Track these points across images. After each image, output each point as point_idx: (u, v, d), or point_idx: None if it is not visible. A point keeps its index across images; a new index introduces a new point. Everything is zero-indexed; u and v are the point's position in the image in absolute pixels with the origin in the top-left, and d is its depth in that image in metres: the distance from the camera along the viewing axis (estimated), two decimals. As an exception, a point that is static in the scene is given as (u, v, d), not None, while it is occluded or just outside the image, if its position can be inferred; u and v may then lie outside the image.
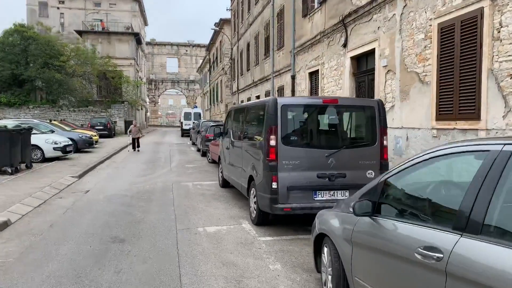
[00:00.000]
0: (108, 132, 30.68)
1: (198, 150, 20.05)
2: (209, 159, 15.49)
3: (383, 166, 6.03)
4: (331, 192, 5.84)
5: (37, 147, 14.13)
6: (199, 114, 37.52)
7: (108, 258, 4.94)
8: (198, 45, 71.19)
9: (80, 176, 11.57)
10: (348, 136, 6.36)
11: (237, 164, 7.77)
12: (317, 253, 4.10)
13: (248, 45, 25.45)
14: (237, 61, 30.07)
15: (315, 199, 5.79)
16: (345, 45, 11.64)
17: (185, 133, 35.55)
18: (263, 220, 6.29)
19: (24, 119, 21.05)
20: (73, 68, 35.43)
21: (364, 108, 6.18)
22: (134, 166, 14.29)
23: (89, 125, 30.94)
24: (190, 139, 28.95)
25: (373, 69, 10.25)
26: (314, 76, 14.34)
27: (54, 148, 14.39)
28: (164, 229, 6.25)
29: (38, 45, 33.65)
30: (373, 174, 5.97)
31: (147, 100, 68.47)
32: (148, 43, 67.47)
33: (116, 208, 7.66)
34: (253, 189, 6.53)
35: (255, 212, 6.40)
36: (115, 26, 46.87)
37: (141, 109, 53.01)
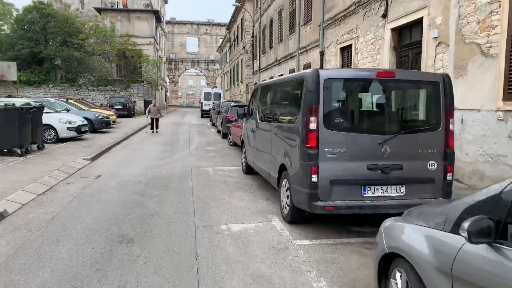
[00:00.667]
0: (127, 111, 30.12)
1: (219, 131, 19.11)
2: (230, 142, 14.52)
3: (448, 155, 4.88)
4: (384, 188, 4.75)
5: (50, 126, 13.43)
6: (219, 94, 36.50)
7: (112, 266, 4.03)
8: (219, 24, 69.74)
9: (93, 158, 10.78)
10: (406, 118, 5.20)
11: (264, 149, 6.74)
12: (381, 275, 3.07)
13: (271, 21, 24.07)
14: (259, 38, 28.71)
15: (364, 195, 4.72)
16: (385, 16, 10.30)
17: (205, 113, 34.70)
18: (298, 217, 5.27)
19: (40, 98, 20.41)
20: (92, 47, 34.80)
21: (426, 84, 4.99)
22: (152, 148, 13.45)
23: (108, 105, 30.40)
24: (210, 120, 28.06)
25: (419, 41, 8.94)
26: (346, 51, 13.04)
27: (68, 128, 13.66)
28: (181, 226, 5.32)
29: (57, 23, 33.04)
30: (436, 165, 4.84)
31: (167, 80, 67.82)
32: (168, 22, 66.43)
33: (128, 198, 6.78)
34: (285, 180, 5.50)
35: (287, 207, 5.38)
36: (135, 4, 45.93)
37: (161, 89, 52.35)
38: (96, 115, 17.18)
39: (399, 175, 4.75)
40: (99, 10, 42.39)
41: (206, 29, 70.70)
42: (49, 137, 13.41)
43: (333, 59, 13.95)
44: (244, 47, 36.34)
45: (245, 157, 8.83)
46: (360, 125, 4.93)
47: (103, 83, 35.80)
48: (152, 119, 18.64)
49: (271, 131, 6.28)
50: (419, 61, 8.97)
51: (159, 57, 48.86)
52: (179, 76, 72.41)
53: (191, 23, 70.25)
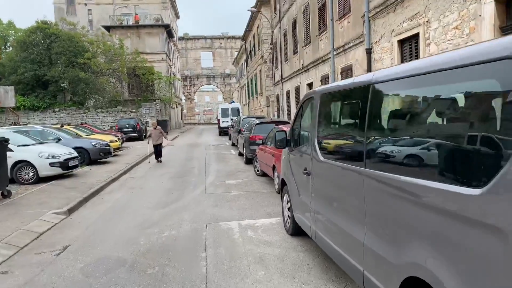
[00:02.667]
0: (138, 134, 27.35)
1: (241, 154, 15.96)
2: (258, 171, 11.28)
3: None
4: None
5: (28, 164, 10.52)
6: (238, 110, 33.49)
7: None
8: (233, 37, 67.67)
9: (71, 210, 7.69)
10: None
11: (343, 217, 3.45)
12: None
13: (294, 22, 20.97)
14: (280, 45, 25.65)
15: None
16: (479, -17, 7.00)
17: (223, 131, 31.73)
18: None
19: (21, 126, 17.64)
20: (100, 66, 32.39)
21: None
22: (156, 186, 10.34)
23: (117, 127, 27.76)
24: (229, 139, 25.05)
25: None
26: (408, 44, 9.74)
27: (51, 164, 10.70)
28: None
29: (61, 42, 30.85)
30: None
31: (183, 97, 65.61)
32: (181, 38, 64.63)
33: (87, 317, 3.60)
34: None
35: None
36: (145, 19, 43.76)
37: (176, 107, 49.85)
38: (93, 143, 14.24)
39: None
40: (108, 28, 40.25)
41: (221, 43, 68.70)
42: (26, 176, 10.50)
43: (387, 57, 10.66)
44: (262, 56, 33.38)
45: (289, 209, 5.57)
46: None
47: (114, 104, 33.34)
48: (154, 146, 14.82)
49: (363, 185, 3.00)
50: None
51: (173, 73, 46.45)
52: (194, 92, 70.24)
53: (205, 38, 68.38)
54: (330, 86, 4.06)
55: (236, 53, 58.40)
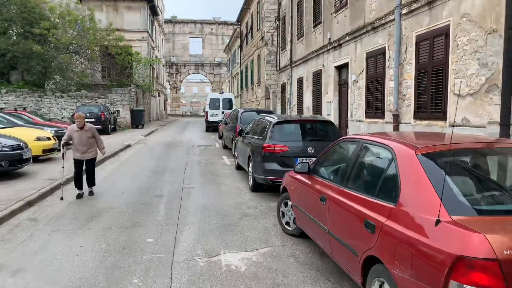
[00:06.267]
0: (103, 125, 20.97)
1: (240, 167, 10.20)
2: (287, 223, 5.42)
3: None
4: None
5: None
6: (230, 101, 27.54)
7: None
8: (225, 23, 61.54)
9: None
10: None
11: None
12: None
13: (317, -18, 15.13)
14: (291, 18, 19.74)
15: None
16: None
17: (211, 126, 25.82)
18: None
19: None
20: (62, 40, 25.96)
21: None
22: (54, 271, 4.47)
23: (74, 117, 21.57)
24: (220, 137, 19.30)
25: None
26: None
27: None
28: None
29: (13, 7, 24.45)
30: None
31: (168, 86, 59.30)
32: (168, 21, 58.11)
33: None
34: None
35: None
36: (124, -8, 37.30)
37: (159, 95, 43.59)
38: (-10, 144, 8.19)
39: None
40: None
41: (211, 29, 62.39)
42: None
43: None
44: (262, 38, 27.45)
45: None
46: None
47: (83, 87, 27.04)
48: (78, 161, 7.48)
49: None
50: None
51: (156, 56, 40.13)
52: (181, 81, 63.88)
53: (194, 22, 61.99)
54: None
55: (228, 40, 52.25)
